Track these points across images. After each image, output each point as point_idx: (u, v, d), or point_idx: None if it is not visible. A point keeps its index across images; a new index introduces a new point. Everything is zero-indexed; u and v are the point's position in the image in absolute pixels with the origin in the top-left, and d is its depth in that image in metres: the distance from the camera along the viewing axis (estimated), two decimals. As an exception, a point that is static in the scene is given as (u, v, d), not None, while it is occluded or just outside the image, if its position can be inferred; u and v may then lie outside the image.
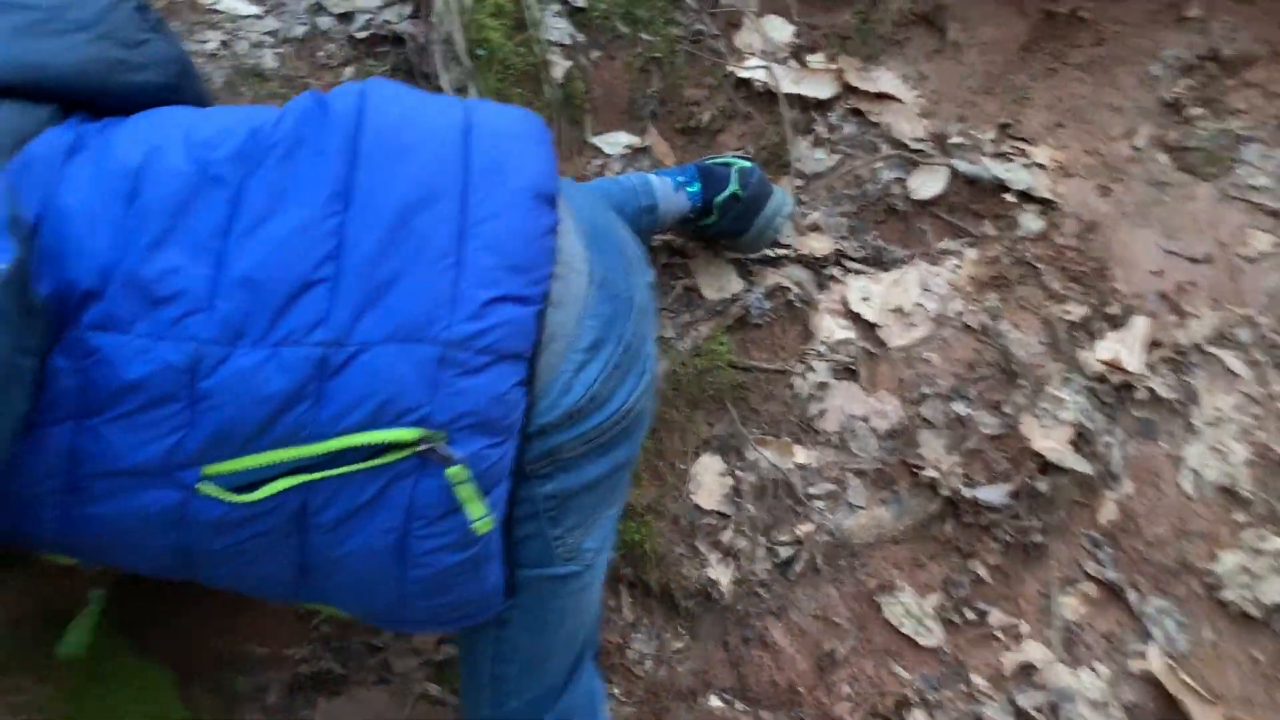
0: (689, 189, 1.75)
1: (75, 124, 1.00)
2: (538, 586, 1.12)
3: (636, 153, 2.06)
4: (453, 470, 0.93)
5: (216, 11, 2.01)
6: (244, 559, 0.99)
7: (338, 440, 0.92)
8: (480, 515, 0.97)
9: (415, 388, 0.92)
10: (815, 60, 2.16)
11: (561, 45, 2.08)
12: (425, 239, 0.95)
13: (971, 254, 1.91)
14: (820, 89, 2.09)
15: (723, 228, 1.76)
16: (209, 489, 0.92)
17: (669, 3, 2.15)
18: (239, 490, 0.93)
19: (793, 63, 2.13)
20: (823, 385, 1.76)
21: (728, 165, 1.77)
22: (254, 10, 2.03)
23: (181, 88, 1.13)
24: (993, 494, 1.63)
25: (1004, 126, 2.07)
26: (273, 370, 0.91)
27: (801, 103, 2.08)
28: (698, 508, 1.66)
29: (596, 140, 2.07)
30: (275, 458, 0.92)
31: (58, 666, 1.23)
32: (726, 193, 1.73)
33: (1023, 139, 2.06)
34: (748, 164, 1.78)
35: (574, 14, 2.12)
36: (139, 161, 0.95)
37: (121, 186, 0.94)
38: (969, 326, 1.82)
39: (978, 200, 1.98)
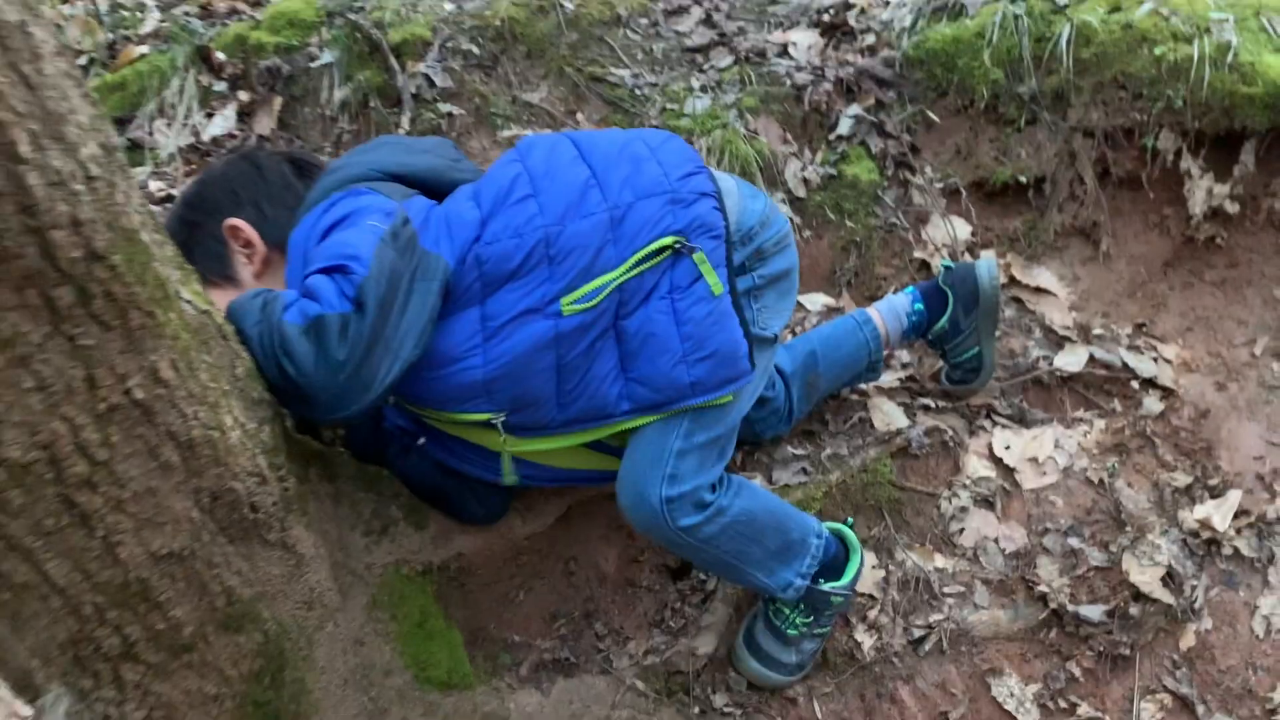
0: (903, 292, 2.29)
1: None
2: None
3: (831, 311, 2.60)
4: (696, 255, 1.65)
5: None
6: (592, 359, 1.66)
7: (632, 258, 1.64)
8: (714, 280, 1.66)
9: (663, 215, 1.66)
10: (987, 255, 2.67)
11: (783, 224, 2.67)
12: (639, 158, 1.72)
13: (1100, 424, 2.34)
14: (988, 278, 2.59)
15: (955, 302, 2.23)
16: (570, 308, 1.62)
17: (871, 199, 2.72)
18: (583, 305, 1.62)
19: (967, 256, 2.65)
20: (964, 509, 2.21)
21: None
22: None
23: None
24: (1092, 612, 2.03)
25: (1140, 325, 2.52)
26: (588, 229, 1.63)
27: (971, 288, 2.58)
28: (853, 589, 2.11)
29: (801, 298, 2.62)
30: (602, 280, 1.63)
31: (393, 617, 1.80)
32: (940, 275, 2.26)
33: (1155, 337, 2.50)
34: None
35: (794, 202, 2.71)
36: (474, 190, 1.74)
37: (468, 195, 1.73)
38: (1090, 480, 2.24)
39: (1110, 382, 2.42)
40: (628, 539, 2.19)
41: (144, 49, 3.26)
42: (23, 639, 1.22)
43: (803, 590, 1.87)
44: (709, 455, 1.74)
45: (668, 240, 1.64)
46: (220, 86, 3.13)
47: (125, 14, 3.47)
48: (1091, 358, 2.44)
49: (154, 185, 2.93)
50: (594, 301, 1.63)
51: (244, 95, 3.11)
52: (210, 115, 3.08)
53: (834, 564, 1.94)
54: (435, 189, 1.81)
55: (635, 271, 1.64)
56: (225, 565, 1.33)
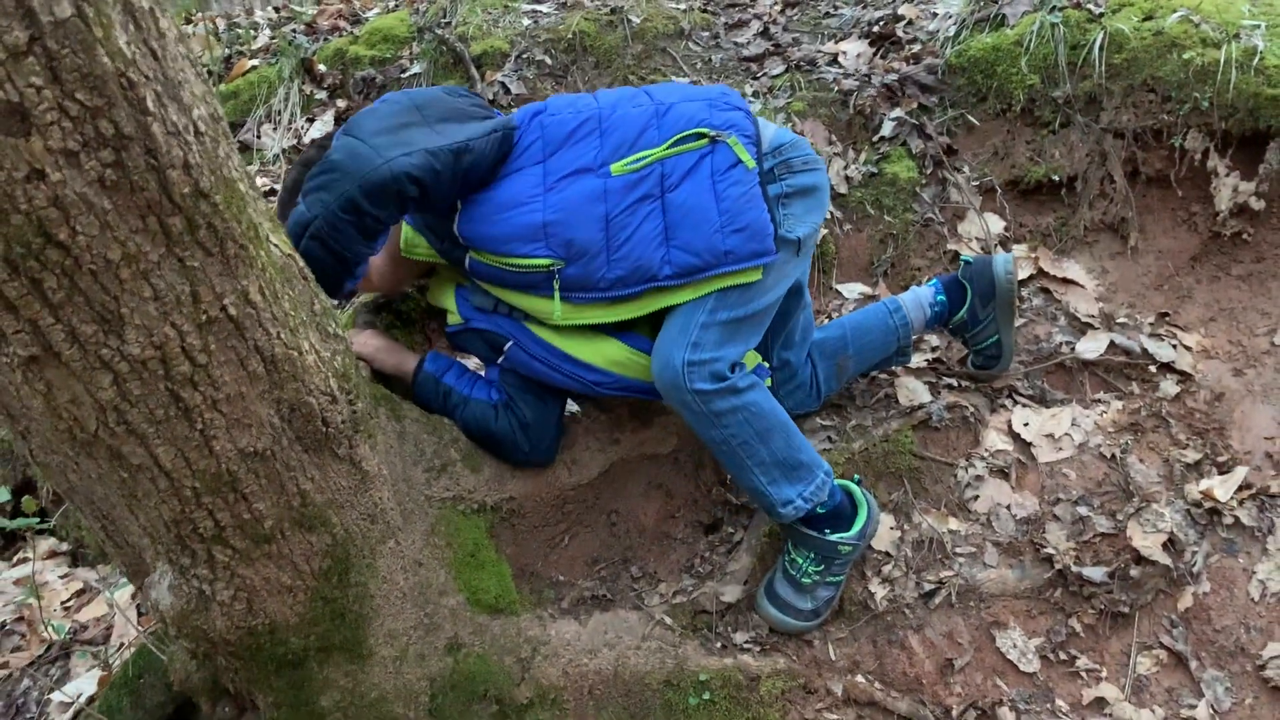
0: (926, 284, 2.46)
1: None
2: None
3: (867, 298, 2.78)
4: (731, 140, 1.98)
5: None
6: (637, 219, 1.96)
7: (672, 139, 1.99)
8: (747, 157, 1.98)
9: (700, 112, 2.02)
10: (1019, 249, 2.82)
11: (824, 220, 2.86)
12: (685, 87, 2.14)
13: (1117, 405, 2.48)
14: (1019, 271, 2.74)
15: (973, 294, 2.41)
16: (617, 169, 1.97)
17: (910, 196, 2.90)
18: (630, 167, 1.98)
19: (999, 249, 2.80)
20: (979, 478, 2.36)
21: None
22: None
23: None
24: (1095, 573, 2.17)
25: (1163, 315, 2.64)
26: (635, 115, 2.03)
27: (1000, 278, 2.73)
28: (870, 547, 2.29)
29: (839, 287, 2.81)
30: (644, 155, 1.98)
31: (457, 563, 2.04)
32: (960, 269, 2.44)
33: (1178, 326, 2.62)
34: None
35: (836, 198, 2.91)
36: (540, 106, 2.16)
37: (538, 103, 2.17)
38: (1103, 455, 2.38)
39: (1130, 367, 2.55)
40: (666, 497, 2.40)
41: (255, 62, 3.62)
42: (137, 516, 1.50)
43: (802, 511, 2.05)
44: (730, 334, 1.99)
45: (706, 130, 1.98)
46: (321, 95, 3.46)
47: (240, 31, 3.85)
48: (1112, 344, 2.57)
49: (260, 182, 3.26)
50: (638, 166, 1.97)
51: (341, 103, 3.44)
52: (311, 120, 3.41)
53: (841, 514, 2.13)
54: None
55: (675, 150, 1.98)
56: (300, 470, 1.59)
